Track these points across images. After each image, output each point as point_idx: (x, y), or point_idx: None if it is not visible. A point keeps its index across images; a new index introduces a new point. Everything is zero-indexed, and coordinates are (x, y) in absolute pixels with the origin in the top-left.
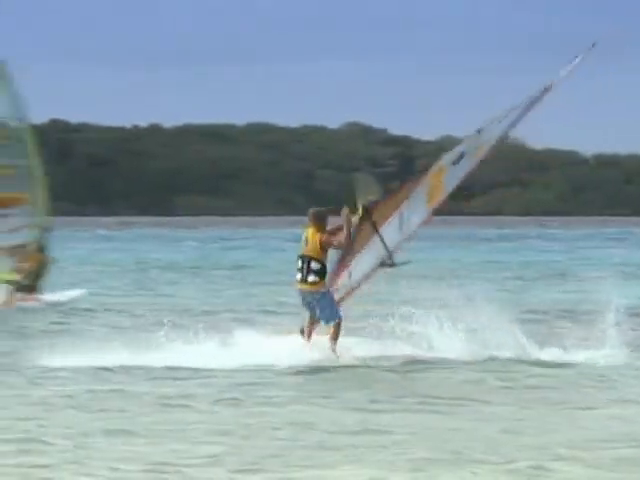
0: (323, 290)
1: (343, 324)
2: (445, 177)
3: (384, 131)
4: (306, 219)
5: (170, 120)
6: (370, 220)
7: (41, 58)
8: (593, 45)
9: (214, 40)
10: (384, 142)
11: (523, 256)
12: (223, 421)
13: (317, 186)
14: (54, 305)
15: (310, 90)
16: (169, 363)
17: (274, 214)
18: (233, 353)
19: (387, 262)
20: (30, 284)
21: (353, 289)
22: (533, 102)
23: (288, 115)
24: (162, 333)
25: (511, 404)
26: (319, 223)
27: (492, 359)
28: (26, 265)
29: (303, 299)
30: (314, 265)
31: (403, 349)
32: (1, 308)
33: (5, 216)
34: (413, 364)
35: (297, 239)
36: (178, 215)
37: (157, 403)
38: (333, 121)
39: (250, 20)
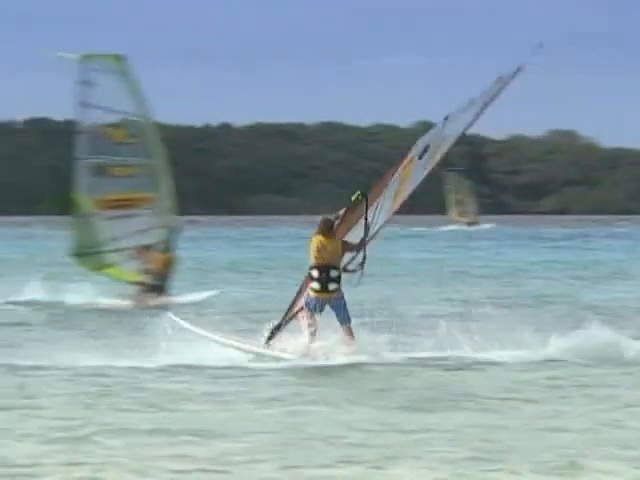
0: (340, 295)
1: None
2: (412, 171)
3: None
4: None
5: (241, 119)
6: (365, 208)
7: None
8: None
9: (283, 39)
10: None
11: (587, 255)
12: (267, 419)
13: None
14: (185, 306)
15: (382, 88)
16: (218, 362)
17: None
18: (277, 352)
19: (349, 268)
20: (158, 285)
21: None
22: (490, 100)
23: (360, 114)
24: (210, 332)
25: (556, 402)
26: (331, 230)
27: (541, 358)
28: (153, 266)
29: (321, 306)
30: (333, 273)
31: (447, 349)
32: (128, 309)
33: (132, 217)
34: (458, 363)
35: None
36: (248, 214)
37: (202, 401)
38: (404, 120)
39: (318, 19)
